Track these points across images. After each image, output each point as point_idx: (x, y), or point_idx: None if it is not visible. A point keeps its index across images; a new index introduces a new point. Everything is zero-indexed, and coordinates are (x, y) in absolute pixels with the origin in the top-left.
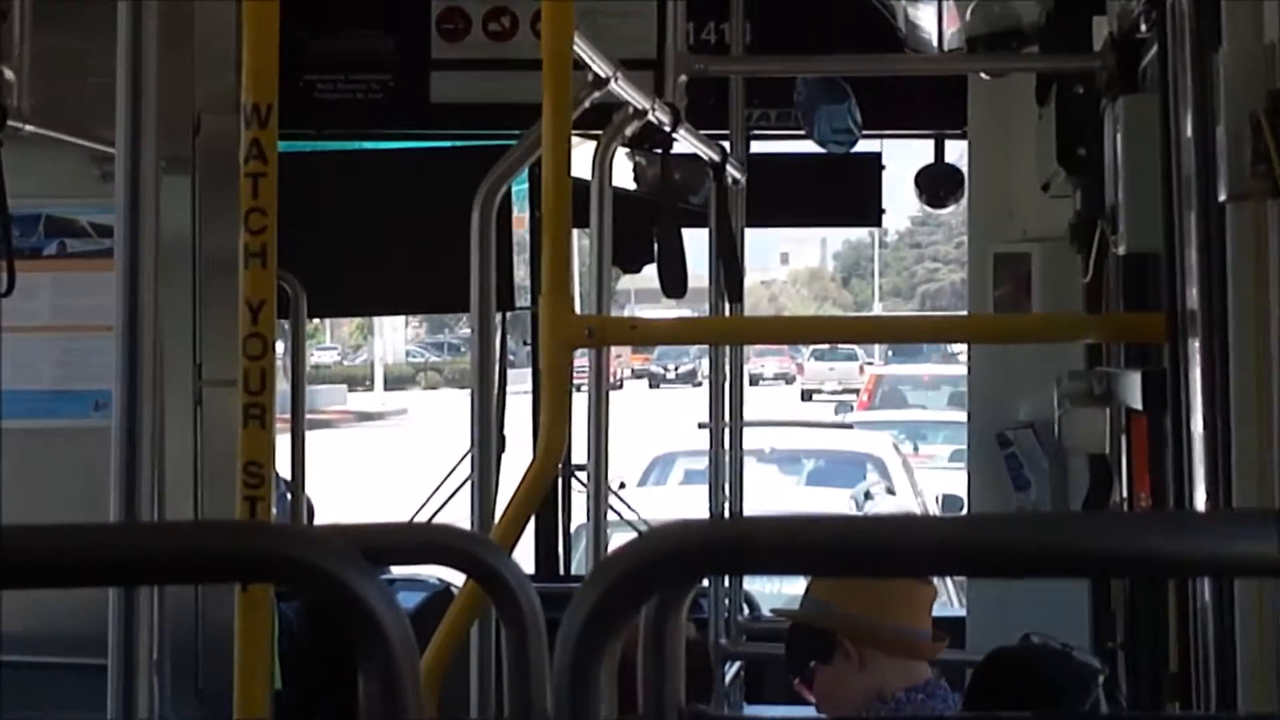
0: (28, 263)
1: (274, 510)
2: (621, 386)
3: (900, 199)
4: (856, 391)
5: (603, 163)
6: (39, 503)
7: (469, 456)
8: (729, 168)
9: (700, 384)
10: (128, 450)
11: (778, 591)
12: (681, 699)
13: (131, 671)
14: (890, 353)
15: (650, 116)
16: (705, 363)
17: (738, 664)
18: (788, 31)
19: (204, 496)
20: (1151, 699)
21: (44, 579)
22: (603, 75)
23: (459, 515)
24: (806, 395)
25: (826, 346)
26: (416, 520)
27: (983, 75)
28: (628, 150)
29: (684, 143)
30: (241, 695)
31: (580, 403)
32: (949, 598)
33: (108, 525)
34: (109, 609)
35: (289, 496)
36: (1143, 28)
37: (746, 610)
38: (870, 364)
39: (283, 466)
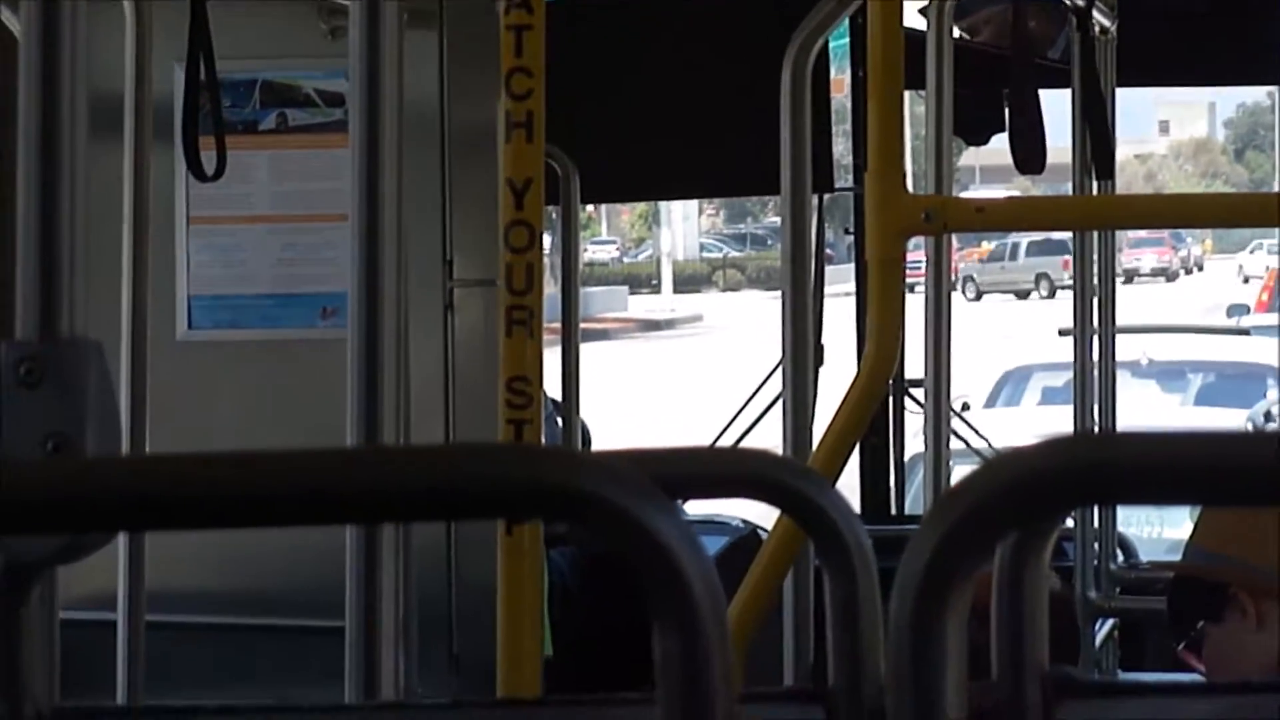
0: (240, 139)
1: (543, 437)
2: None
3: None
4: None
5: (941, 9)
6: (258, 428)
7: (779, 371)
8: (1095, 12)
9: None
10: (367, 364)
11: (1157, 536)
12: (1044, 661)
13: (374, 637)
14: None
15: None
16: None
17: (1110, 622)
18: None
19: (457, 419)
20: None
21: (274, 515)
22: None
23: (767, 443)
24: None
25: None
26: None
27: None
28: None
29: None
30: (507, 665)
31: (915, 306)
32: None
33: (346, 451)
34: (346, 557)
35: (560, 420)
36: None
37: (1121, 557)
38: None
39: (552, 384)
